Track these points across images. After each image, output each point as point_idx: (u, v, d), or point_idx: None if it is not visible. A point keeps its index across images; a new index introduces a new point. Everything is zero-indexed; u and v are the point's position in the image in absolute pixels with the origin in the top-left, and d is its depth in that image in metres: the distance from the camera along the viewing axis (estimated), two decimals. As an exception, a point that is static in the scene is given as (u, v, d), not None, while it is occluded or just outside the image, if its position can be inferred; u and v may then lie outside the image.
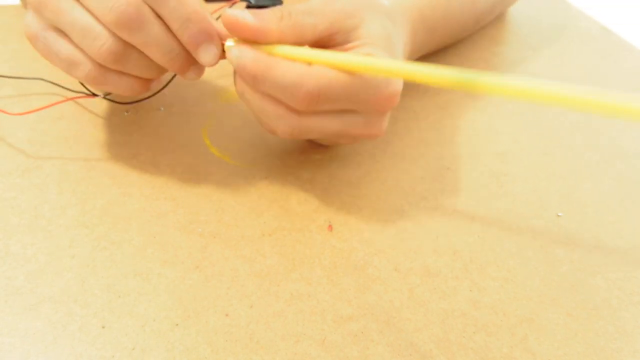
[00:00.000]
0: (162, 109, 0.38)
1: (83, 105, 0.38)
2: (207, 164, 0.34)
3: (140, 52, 0.28)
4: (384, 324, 0.25)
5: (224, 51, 0.29)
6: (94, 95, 0.36)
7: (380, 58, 0.27)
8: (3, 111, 0.34)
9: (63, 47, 0.28)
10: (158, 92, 0.38)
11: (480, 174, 0.34)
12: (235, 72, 0.29)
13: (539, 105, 0.40)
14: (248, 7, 0.33)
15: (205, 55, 0.28)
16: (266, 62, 0.27)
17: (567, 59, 0.48)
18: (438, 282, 0.27)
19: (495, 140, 0.38)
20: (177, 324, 0.25)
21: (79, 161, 0.33)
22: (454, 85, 0.23)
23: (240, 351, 0.24)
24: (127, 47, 0.28)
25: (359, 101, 0.28)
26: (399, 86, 0.29)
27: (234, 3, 0.37)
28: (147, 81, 0.31)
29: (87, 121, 0.37)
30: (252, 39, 0.27)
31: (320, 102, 0.27)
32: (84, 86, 0.35)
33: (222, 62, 0.29)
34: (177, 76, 0.38)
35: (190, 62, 0.29)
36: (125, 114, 0.38)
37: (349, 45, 0.29)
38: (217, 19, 0.35)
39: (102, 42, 0.27)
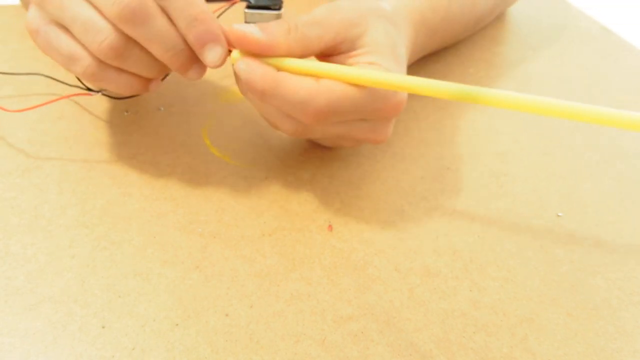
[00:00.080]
0: (162, 109, 0.38)
1: (83, 105, 0.38)
2: (207, 164, 0.34)
3: (142, 49, 0.28)
4: (384, 324, 0.25)
5: (229, 51, 0.28)
6: (92, 91, 0.35)
7: (388, 72, 0.27)
8: (2, 108, 0.34)
9: (64, 42, 0.28)
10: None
11: (480, 174, 0.34)
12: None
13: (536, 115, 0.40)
14: (248, 7, 0.32)
15: (211, 54, 0.28)
16: (275, 79, 0.27)
17: (567, 59, 0.48)
18: (438, 282, 0.27)
19: (495, 140, 0.38)
20: (177, 324, 0.25)
21: (79, 161, 0.33)
22: (458, 98, 0.25)
23: (240, 351, 0.24)
24: (128, 43, 0.28)
25: (366, 111, 0.28)
26: (405, 95, 0.29)
27: (234, 3, 0.37)
28: (147, 81, 0.31)
29: (87, 121, 0.37)
30: (259, 53, 0.27)
31: (329, 117, 0.27)
32: (82, 82, 0.35)
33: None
34: (177, 76, 0.38)
35: (192, 61, 0.29)
36: (125, 114, 0.38)
37: (354, 53, 0.29)
38: (218, 17, 0.35)
39: (103, 36, 0.27)
